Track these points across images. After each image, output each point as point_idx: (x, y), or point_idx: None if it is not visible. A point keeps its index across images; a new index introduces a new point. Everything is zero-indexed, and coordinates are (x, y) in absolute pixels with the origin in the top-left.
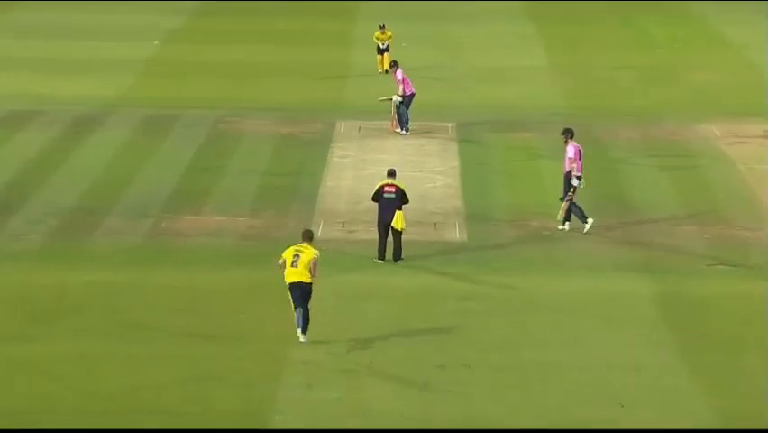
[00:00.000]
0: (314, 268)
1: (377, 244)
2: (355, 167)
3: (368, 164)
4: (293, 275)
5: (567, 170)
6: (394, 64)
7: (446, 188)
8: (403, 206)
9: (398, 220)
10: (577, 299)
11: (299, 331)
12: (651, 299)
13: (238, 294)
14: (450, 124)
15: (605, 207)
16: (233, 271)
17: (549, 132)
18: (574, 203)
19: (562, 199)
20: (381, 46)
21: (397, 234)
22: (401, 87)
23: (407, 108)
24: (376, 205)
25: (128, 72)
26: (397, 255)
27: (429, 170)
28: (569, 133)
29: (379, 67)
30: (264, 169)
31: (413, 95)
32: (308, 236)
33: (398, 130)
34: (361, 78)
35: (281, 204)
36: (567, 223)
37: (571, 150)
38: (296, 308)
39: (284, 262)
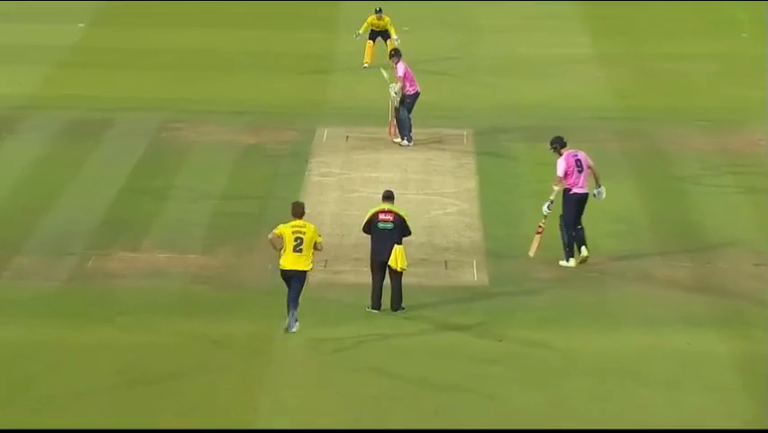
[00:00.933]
0: (318, 246)
1: (370, 289)
2: (341, 188)
3: (357, 184)
4: (293, 262)
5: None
6: (395, 54)
7: (460, 216)
8: (404, 239)
9: (398, 257)
10: (632, 360)
11: (287, 326)
12: (728, 361)
13: (187, 356)
14: (465, 132)
15: (668, 239)
16: (181, 324)
17: (596, 141)
18: (568, 231)
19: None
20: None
21: (397, 275)
22: (402, 84)
23: (410, 112)
24: (368, 238)
25: (43, 63)
26: (397, 303)
27: (438, 193)
28: (557, 144)
29: (367, 58)
30: (221, 191)
31: (417, 94)
32: (301, 211)
33: (398, 140)
34: (350, 73)
35: (243, 237)
36: (571, 259)
37: (561, 165)
38: (289, 302)
39: (281, 240)
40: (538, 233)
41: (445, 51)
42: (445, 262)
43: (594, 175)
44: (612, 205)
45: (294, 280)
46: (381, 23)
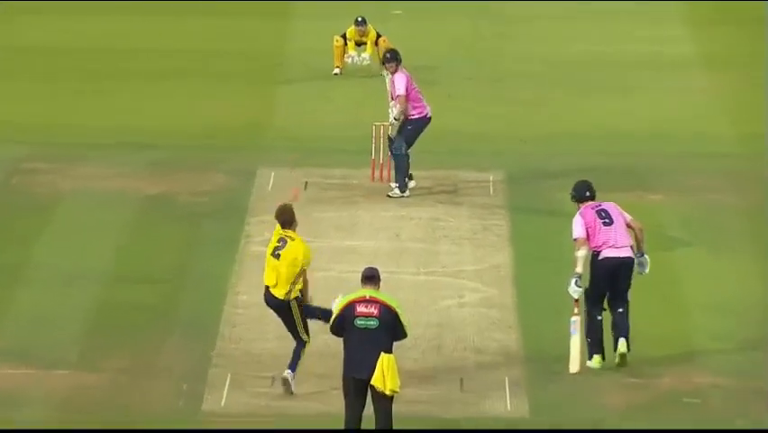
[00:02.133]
0: (300, 278)
1: (343, 420)
2: None
3: (323, 259)
4: (268, 276)
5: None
6: (392, 57)
7: (485, 308)
8: (395, 343)
9: (386, 373)
10: None
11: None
12: None
13: None
14: (491, 177)
15: None
16: None
17: (696, 191)
18: (593, 312)
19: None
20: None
21: (384, 401)
22: (402, 103)
23: (410, 145)
24: (340, 342)
25: None
26: None
27: (451, 272)
28: (575, 194)
29: (339, 62)
30: (108, 269)
31: (425, 119)
32: (289, 218)
33: (393, 187)
34: (312, 83)
35: (142, 342)
36: (596, 357)
37: (576, 224)
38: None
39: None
40: (573, 331)
41: (459, 50)
42: (461, 380)
43: (635, 236)
44: (716, 289)
45: (278, 313)
46: (364, 38)
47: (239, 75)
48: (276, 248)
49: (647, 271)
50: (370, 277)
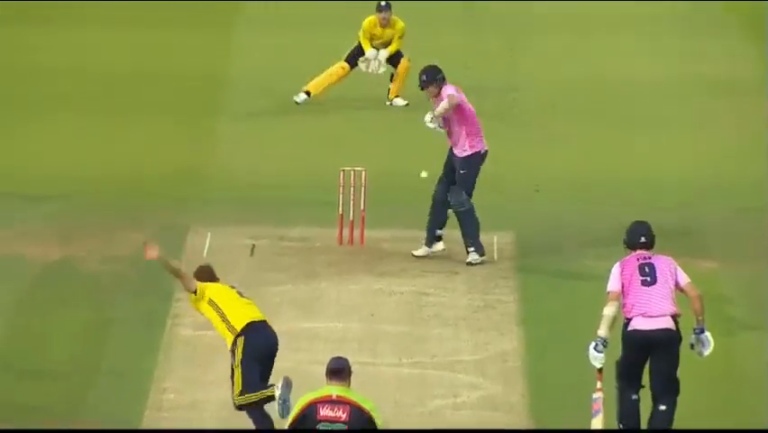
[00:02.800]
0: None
1: None
2: None
3: (283, 346)
4: (248, 312)
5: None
6: (430, 79)
7: (489, 410)
8: None
9: None
10: None
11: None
12: None
13: None
14: (495, 237)
15: None
16: None
17: (760, 257)
18: (624, 394)
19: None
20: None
21: None
22: (452, 101)
23: (470, 193)
24: None
25: None
26: None
27: (443, 362)
28: (638, 236)
29: (315, 88)
30: None
31: (481, 155)
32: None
33: (469, 252)
34: (260, 117)
35: None
36: None
37: (614, 273)
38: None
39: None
40: (595, 411)
41: (453, 70)
42: None
43: (693, 306)
44: None
45: (273, 356)
46: (388, 31)
47: (166, 104)
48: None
49: (707, 352)
50: (338, 370)
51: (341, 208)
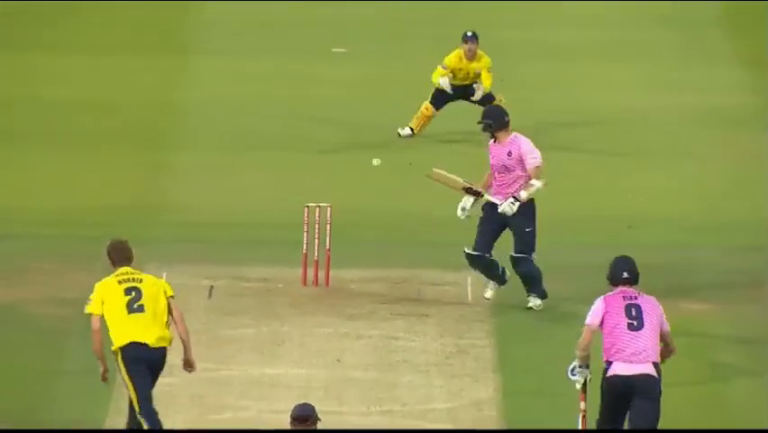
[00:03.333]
0: (176, 314)
1: None
2: (198, 401)
3: (233, 392)
4: (138, 330)
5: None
6: (497, 120)
7: None
8: None
9: None
10: None
11: None
12: None
13: None
14: (469, 278)
15: None
16: None
17: (758, 299)
18: None
19: None
20: (449, 87)
21: None
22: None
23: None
24: None
25: None
26: None
27: (414, 411)
28: (621, 271)
29: (416, 123)
30: None
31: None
32: (126, 255)
33: (530, 299)
34: (218, 151)
35: None
36: None
37: (595, 308)
38: (141, 408)
39: (96, 316)
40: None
41: (419, 96)
42: None
43: (662, 353)
44: None
45: (149, 369)
46: (473, 65)
47: (118, 136)
48: (131, 300)
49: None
50: (303, 418)
51: (305, 247)
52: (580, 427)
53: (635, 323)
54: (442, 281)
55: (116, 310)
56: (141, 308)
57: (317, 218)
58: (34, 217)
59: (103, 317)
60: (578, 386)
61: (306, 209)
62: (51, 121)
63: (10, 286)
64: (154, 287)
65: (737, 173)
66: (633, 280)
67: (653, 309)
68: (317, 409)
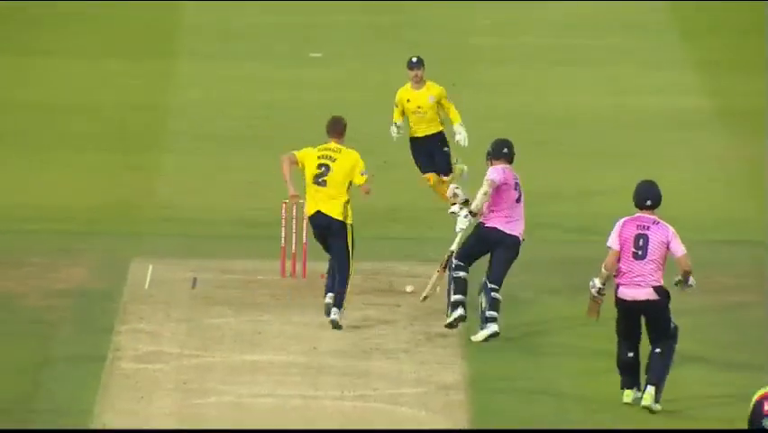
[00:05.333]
0: (364, 185)
1: None
2: (181, 388)
3: (215, 380)
4: (315, 200)
5: None
6: (499, 151)
7: None
8: None
9: None
10: None
11: (328, 300)
12: None
13: None
14: (437, 270)
15: None
16: None
17: (716, 292)
18: (621, 361)
19: None
20: (396, 134)
21: None
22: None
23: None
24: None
25: None
26: None
27: (385, 395)
28: (644, 199)
29: (443, 197)
30: None
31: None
32: (340, 128)
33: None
34: (201, 151)
35: None
36: (630, 391)
37: (614, 231)
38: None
39: (292, 164)
40: (595, 302)
41: (393, 98)
42: None
43: (680, 269)
44: (736, 417)
45: (330, 236)
46: (423, 93)
47: (106, 138)
48: (319, 174)
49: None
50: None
51: (283, 241)
52: (591, 305)
53: (639, 252)
54: (413, 273)
55: (308, 178)
56: (323, 183)
57: (294, 214)
58: (27, 214)
59: (300, 164)
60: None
61: (283, 205)
62: (41, 124)
63: (4, 279)
64: (345, 167)
65: (695, 173)
66: (654, 206)
67: (659, 239)
68: (294, 393)
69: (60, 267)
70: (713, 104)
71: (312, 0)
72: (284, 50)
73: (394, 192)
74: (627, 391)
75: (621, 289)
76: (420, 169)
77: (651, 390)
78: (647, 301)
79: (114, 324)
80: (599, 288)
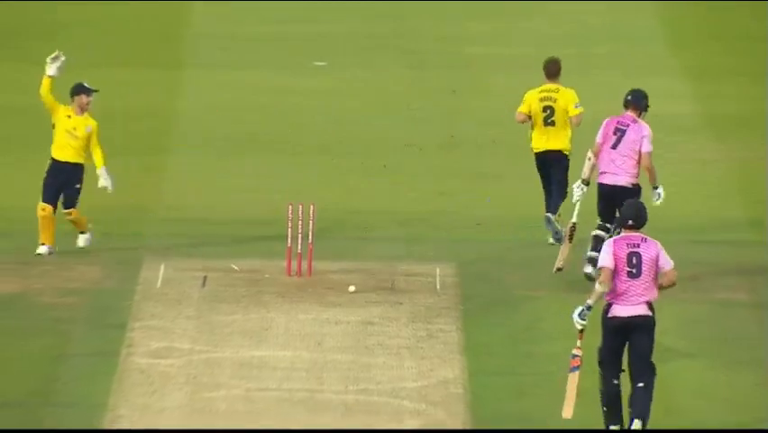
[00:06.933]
0: (576, 119)
1: None
2: (192, 381)
3: (225, 374)
4: (543, 138)
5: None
6: (637, 100)
7: None
8: None
9: None
10: None
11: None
12: None
13: None
14: (438, 269)
15: None
16: None
17: (701, 290)
18: (604, 378)
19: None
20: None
21: None
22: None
23: None
24: None
25: None
26: None
27: (387, 389)
28: (627, 218)
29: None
30: None
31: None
32: (551, 71)
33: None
34: (209, 154)
35: None
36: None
37: (607, 252)
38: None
39: (522, 113)
40: (573, 367)
41: (398, 109)
42: None
43: (669, 281)
44: (720, 413)
45: (552, 166)
46: (83, 121)
47: (118, 142)
48: (546, 117)
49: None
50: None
51: (289, 241)
52: (570, 365)
53: (633, 271)
54: (413, 273)
55: (536, 121)
56: (552, 123)
57: (300, 215)
58: (30, 218)
59: (528, 111)
60: (579, 328)
61: (289, 207)
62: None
63: (20, 277)
64: (564, 104)
65: (682, 177)
66: (637, 226)
67: (650, 254)
68: (299, 387)
69: (75, 266)
70: (700, 109)
71: (313, 1)
72: (287, 58)
73: (394, 195)
74: (615, 428)
75: (615, 307)
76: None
77: (638, 423)
78: (641, 316)
79: (128, 321)
80: (590, 307)
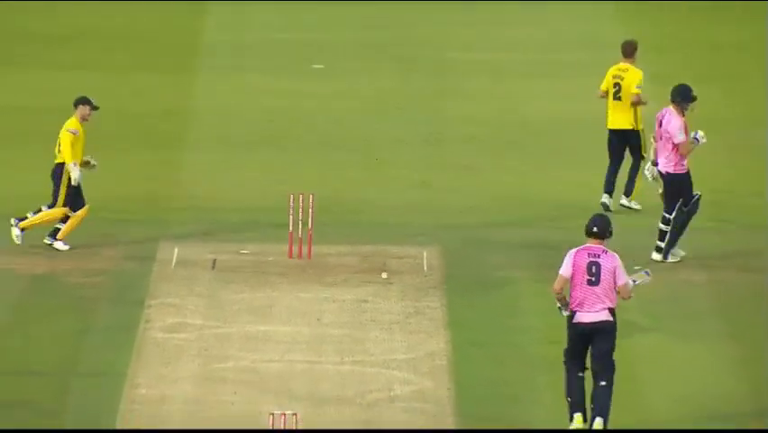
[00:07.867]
0: (635, 98)
1: None
2: (204, 354)
3: (233, 347)
4: (611, 112)
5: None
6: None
7: (419, 402)
8: None
9: None
10: None
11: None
12: None
13: None
14: (425, 252)
15: None
16: None
17: (660, 268)
18: (571, 385)
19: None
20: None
21: None
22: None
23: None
24: None
25: None
26: None
27: (379, 360)
28: (591, 226)
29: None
30: None
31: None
32: (630, 49)
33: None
34: (219, 150)
35: None
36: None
37: (567, 262)
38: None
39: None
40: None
41: (389, 107)
42: None
43: (622, 296)
44: (679, 381)
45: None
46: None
47: (136, 138)
48: (615, 92)
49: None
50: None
51: (291, 227)
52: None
53: (593, 279)
54: (404, 255)
55: (609, 96)
56: (619, 98)
57: (301, 204)
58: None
59: (606, 88)
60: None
61: (291, 197)
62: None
63: (49, 259)
64: (629, 82)
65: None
66: (600, 236)
67: (609, 266)
68: (300, 359)
69: (99, 249)
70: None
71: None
72: (291, 64)
73: (385, 186)
74: (578, 415)
75: (578, 314)
76: None
77: (600, 421)
78: (602, 322)
79: (145, 299)
80: (564, 305)
